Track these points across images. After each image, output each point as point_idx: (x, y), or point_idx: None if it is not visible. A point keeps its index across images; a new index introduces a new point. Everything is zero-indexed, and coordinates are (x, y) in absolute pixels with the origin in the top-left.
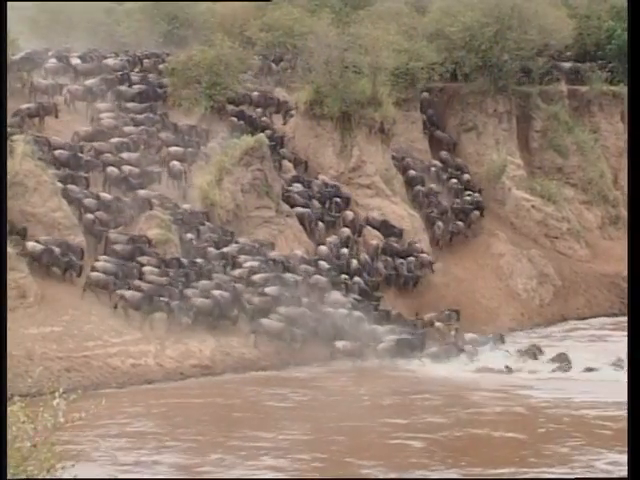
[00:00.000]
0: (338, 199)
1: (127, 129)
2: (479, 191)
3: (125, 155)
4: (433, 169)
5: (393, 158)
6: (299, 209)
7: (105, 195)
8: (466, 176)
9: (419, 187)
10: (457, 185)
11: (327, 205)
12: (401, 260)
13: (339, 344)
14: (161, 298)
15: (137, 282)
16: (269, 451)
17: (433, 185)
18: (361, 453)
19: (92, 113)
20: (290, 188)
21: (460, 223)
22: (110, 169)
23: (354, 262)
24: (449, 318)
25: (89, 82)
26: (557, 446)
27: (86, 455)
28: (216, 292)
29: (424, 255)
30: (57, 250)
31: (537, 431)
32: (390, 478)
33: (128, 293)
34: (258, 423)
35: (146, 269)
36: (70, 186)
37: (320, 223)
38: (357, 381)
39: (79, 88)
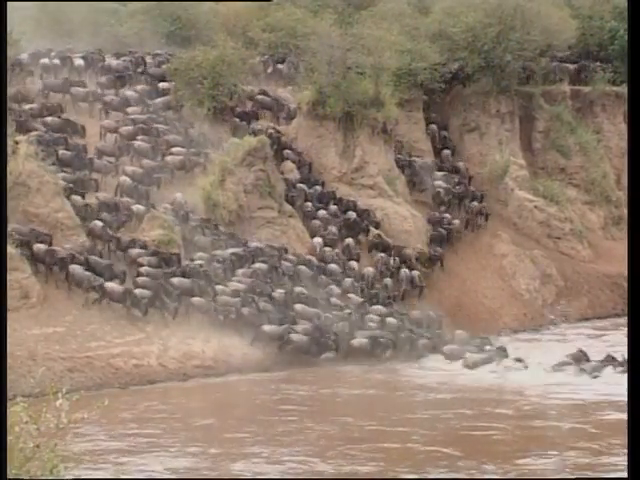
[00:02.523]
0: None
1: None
2: (481, 197)
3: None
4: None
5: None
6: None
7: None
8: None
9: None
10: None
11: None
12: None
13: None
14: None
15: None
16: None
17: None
18: (445, 443)
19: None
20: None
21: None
22: (123, 178)
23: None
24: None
25: (127, 92)
26: None
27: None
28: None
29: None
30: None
31: None
32: (390, 478)
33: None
34: (321, 416)
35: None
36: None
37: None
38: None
39: (114, 98)
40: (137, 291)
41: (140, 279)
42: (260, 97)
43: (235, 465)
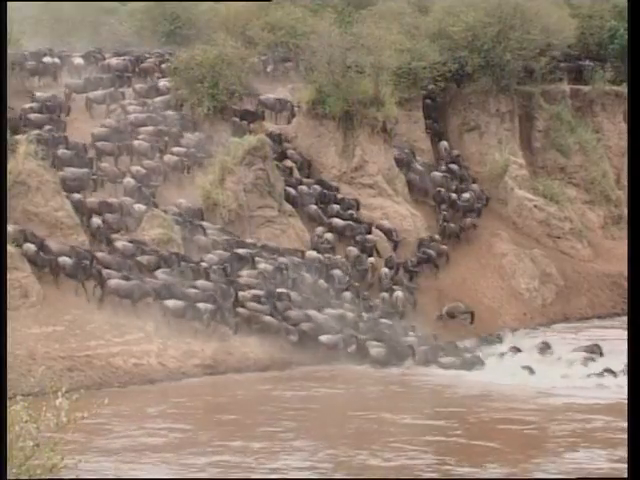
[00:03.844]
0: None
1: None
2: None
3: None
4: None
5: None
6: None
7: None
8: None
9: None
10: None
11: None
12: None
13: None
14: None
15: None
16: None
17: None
18: (489, 438)
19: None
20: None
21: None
22: (127, 180)
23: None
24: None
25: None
26: None
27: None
28: None
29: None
30: None
31: None
32: (390, 478)
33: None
34: (350, 412)
35: None
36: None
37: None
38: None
39: (137, 108)
40: (200, 305)
41: (194, 291)
42: (263, 97)
43: (284, 459)
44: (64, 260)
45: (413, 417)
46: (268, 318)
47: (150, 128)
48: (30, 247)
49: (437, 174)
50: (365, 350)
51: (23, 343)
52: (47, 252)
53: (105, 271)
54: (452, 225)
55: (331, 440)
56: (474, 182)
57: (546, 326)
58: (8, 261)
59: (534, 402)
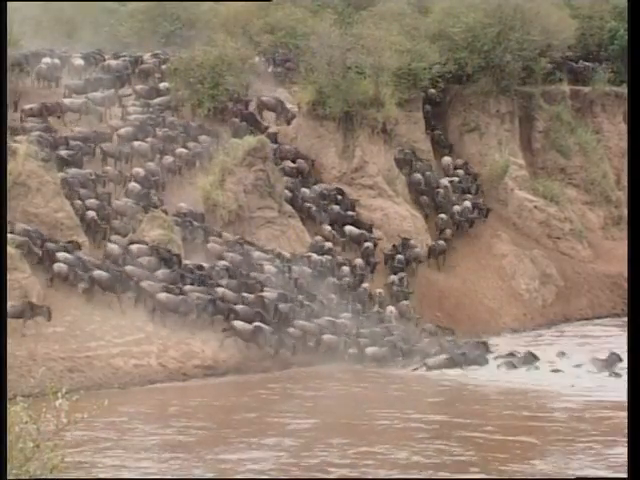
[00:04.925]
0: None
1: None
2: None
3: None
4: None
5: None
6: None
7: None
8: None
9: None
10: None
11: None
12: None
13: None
14: None
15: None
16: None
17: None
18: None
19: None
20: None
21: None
22: (132, 185)
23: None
24: None
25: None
26: None
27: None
28: None
29: None
30: None
31: None
32: (391, 478)
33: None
34: (375, 409)
35: None
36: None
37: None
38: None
39: (137, 109)
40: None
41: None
42: (265, 99)
43: (322, 456)
44: (100, 274)
45: (438, 414)
46: (327, 336)
47: (150, 129)
48: (62, 266)
49: (441, 181)
50: (362, 350)
51: (23, 344)
52: (83, 267)
53: (145, 283)
54: (440, 242)
55: (363, 437)
56: (477, 191)
57: (546, 327)
58: (8, 262)
59: (558, 400)
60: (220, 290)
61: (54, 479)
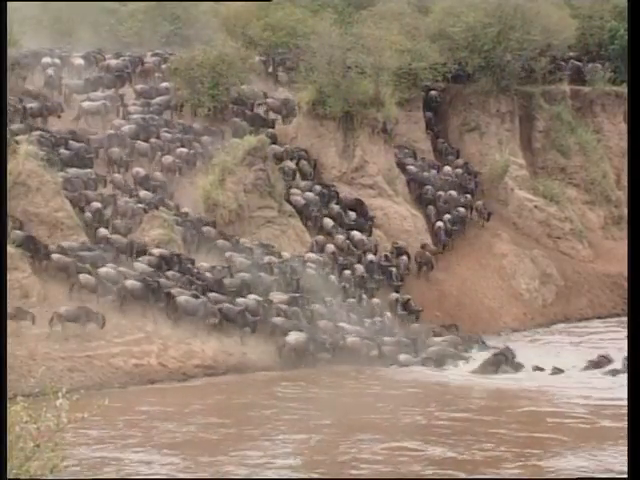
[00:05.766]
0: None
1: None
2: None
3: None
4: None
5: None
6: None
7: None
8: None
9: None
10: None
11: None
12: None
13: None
14: None
15: None
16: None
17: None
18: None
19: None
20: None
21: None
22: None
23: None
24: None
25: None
26: None
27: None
28: None
29: None
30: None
31: None
32: (395, 479)
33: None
34: (394, 407)
35: None
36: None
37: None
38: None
39: (138, 109)
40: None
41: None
42: (270, 100)
43: (354, 452)
44: (132, 284)
45: (457, 412)
46: (351, 339)
47: (152, 129)
48: (88, 277)
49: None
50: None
51: (23, 343)
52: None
53: (174, 290)
54: (427, 253)
55: (389, 433)
56: (475, 193)
57: (546, 327)
58: (8, 261)
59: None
60: (242, 300)
61: (54, 479)
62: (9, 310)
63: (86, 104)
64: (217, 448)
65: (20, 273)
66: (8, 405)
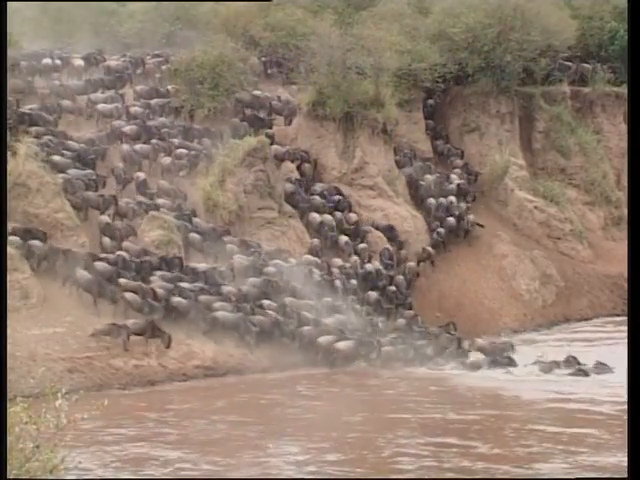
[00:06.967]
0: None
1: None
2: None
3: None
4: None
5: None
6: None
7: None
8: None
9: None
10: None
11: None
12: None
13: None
14: None
15: None
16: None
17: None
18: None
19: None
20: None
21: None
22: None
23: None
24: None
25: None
26: None
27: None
28: None
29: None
30: None
31: None
32: (389, 478)
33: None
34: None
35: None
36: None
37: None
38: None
39: (138, 110)
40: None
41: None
42: (274, 102)
43: (392, 447)
44: (179, 301)
45: (487, 410)
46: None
47: (153, 130)
48: (135, 297)
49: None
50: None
51: (23, 344)
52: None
53: (216, 304)
54: (410, 264)
55: (422, 430)
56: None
57: (546, 327)
58: (8, 262)
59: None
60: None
61: (54, 479)
62: (144, 324)
63: (101, 106)
64: (256, 445)
65: (20, 274)
66: (8, 406)
